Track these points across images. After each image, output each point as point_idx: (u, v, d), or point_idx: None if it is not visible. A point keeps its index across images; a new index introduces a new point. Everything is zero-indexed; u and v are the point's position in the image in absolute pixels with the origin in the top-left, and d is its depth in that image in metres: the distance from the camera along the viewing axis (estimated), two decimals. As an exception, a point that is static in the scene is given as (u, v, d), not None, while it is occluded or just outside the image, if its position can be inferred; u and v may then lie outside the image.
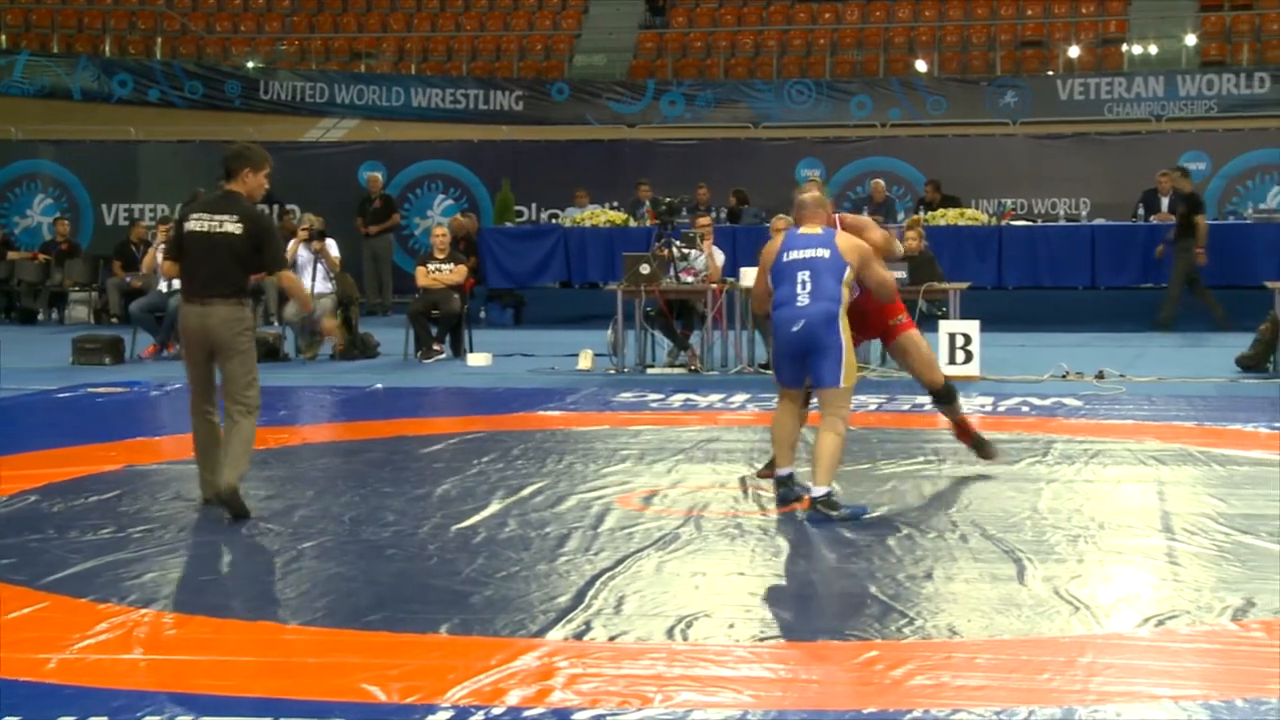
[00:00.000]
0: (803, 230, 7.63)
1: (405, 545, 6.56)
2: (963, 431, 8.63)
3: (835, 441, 7.27)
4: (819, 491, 7.16)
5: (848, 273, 7.49)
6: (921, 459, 8.82)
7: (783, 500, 7.39)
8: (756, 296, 7.96)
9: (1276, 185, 21.51)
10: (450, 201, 23.29)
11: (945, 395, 8.51)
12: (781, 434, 7.53)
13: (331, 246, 16.10)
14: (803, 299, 7.37)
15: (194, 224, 7.40)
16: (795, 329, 7.36)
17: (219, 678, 4.68)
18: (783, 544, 6.59)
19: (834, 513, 7.08)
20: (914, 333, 8.35)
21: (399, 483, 8.13)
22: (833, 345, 7.32)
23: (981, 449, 8.54)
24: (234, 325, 7.32)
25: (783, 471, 7.47)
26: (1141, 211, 19.07)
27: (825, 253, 7.47)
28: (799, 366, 7.48)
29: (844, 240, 7.59)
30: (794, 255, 7.50)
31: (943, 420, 8.77)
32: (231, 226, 7.34)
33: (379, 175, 22.20)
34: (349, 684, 4.59)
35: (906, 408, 11.20)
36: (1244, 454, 8.90)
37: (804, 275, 7.40)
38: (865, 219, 8.52)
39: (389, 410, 11.59)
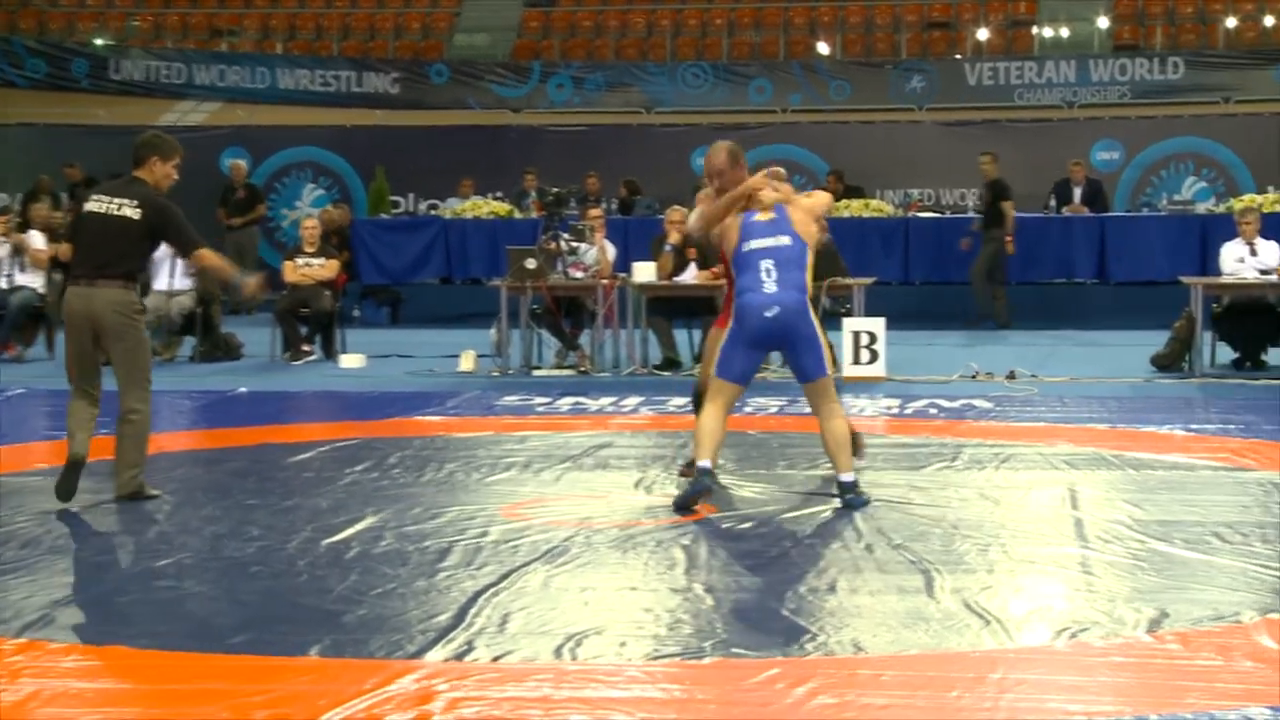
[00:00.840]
0: (759, 217, 7.80)
1: (272, 561, 6.50)
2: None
3: (845, 426, 7.77)
4: (848, 478, 7.65)
5: (809, 256, 7.77)
6: (825, 464, 8.87)
7: (695, 490, 7.53)
8: (708, 218, 7.97)
9: (1192, 175, 21.95)
10: (320, 191, 23.09)
11: None
12: (709, 431, 7.64)
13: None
14: (769, 286, 7.61)
15: (92, 205, 7.82)
16: (769, 314, 7.57)
17: (64, 708, 4.60)
18: (678, 556, 6.60)
19: (862, 495, 7.62)
20: None
21: (265, 494, 8.05)
22: (810, 336, 7.64)
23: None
24: (120, 308, 7.68)
25: (705, 463, 7.59)
26: (1054, 202, 19.39)
27: (786, 240, 7.73)
28: (755, 358, 7.75)
29: (800, 221, 7.81)
30: (755, 245, 7.71)
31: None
32: (129, 211, 7.74)
33: (243, 163, 21.97)
34: (210, 713, 4.53)
35: (808, 411, 11.24)
36: (1159, 458, 9.07)
37: (768, 264, 7.65)
38: (809, 204, 8.56)
39: (254, 416, 11.46)
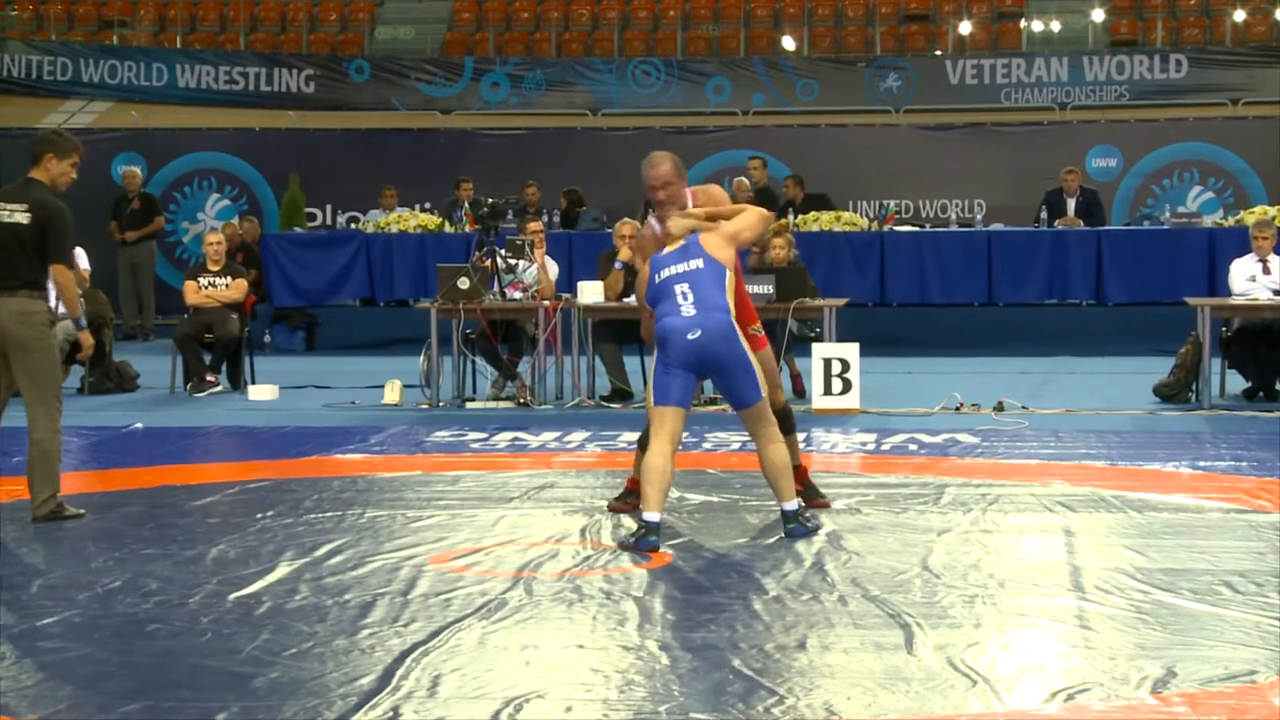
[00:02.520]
0: (665, 251, 8.15)
1: (172, 619, 6.45)
2: (800, 471, 8.87)
3: (784, 452, 8.08)
4: (791, 506, 8.02)
5: (728, 277, 8.05)
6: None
7: (642, 547, 7.67)
8: (644, 324, 8.44)
9: (1197, 185, 22.18)
10: (226, 202, 23.02)
11: (782, 423, 8.72)
12: (659, 473, 7.84)
13: (80, 257, 15.80)
14: (687, 309, 7.93)
15: None
16: (692, 336, 7.89)
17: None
18: (629, 610, 6.60)
19: (809, 524, 8.01)
20: (767, 350, 8.70)
21: (164, 543, 8.00)
22: (739, 360, 7.93)
23: (812, 497, 8.77)
24: (27, 319, 8.18)
25: (653, 517, 7.79)
26: (1044, 215, 19.54)
27: (698, 262, 8.04)
28: (687, 381, 7.97)
29: (712, 245, 8.08)
30: (667, 273, 8.06)
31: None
32: (20, 216, 8.20)
33: (137, 170, 21.88)
34: (103, 790, 4.50)
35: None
36: (1164, 499, 9.13)
37: (682, 288, 7.99)
38: (730, 228, 8.61)
39: (152, 455, 11.40)
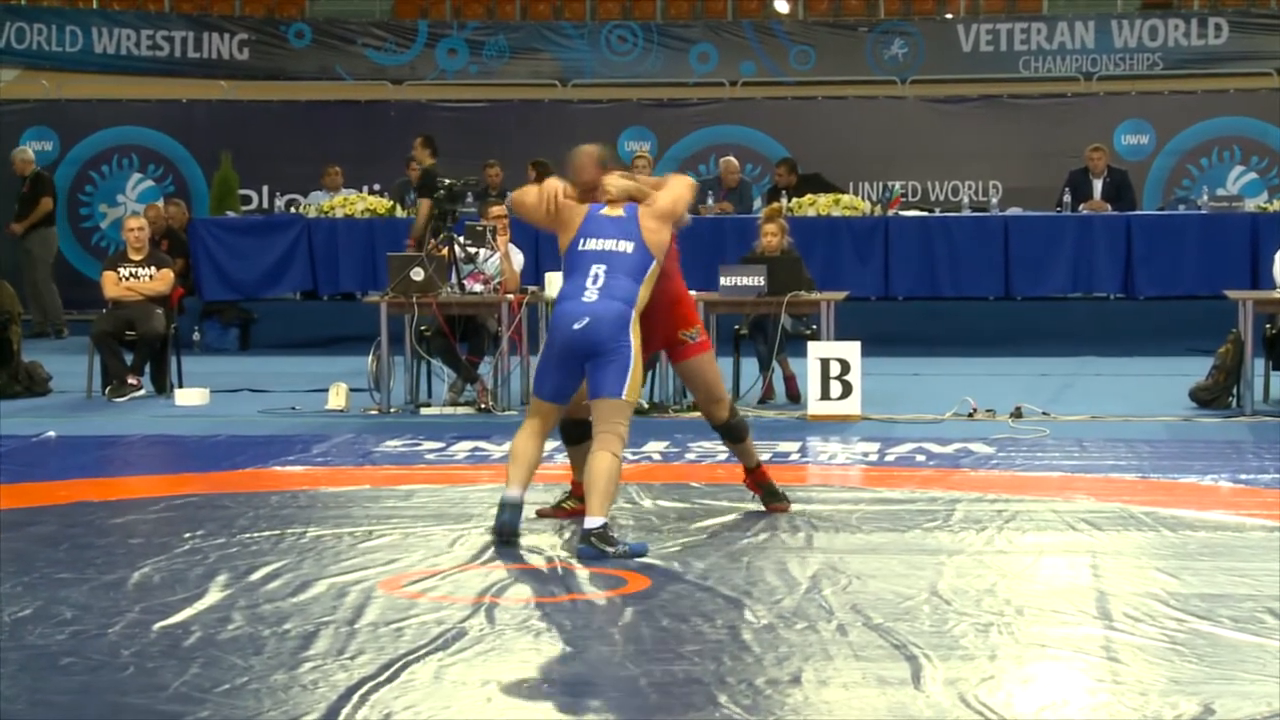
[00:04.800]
0: (606, 211, 8.43)
1: (89, 651, 6.45)
2: (754, 478, 9.26)
3: (612, 464, 8.16)
4: (594, 523, 8.04)
5: (651, 268, 8.34)
6: (785, 524, 8.92)
7: (501, 530, 8.29)
8: (527, 207, 8.71)
9: (1239, 164, 22.23)
10: (150, 183, 22.97)
11: (733, 432, 9.17)
12: (520, 452, 8.38)
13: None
14: (591, 294, 8.20)
15: None
16: (578, 326, 8.17)
17: None
18: (603, 640, 6.61)
19: (610, 549, 7.98)
20: (707, 356, 9.02)
21: (80, 566, 7.99)
22: (620, 351, 8.16)
23: (772, 500, 9.20)
24: None
25: (512, 494, 8.30)
26: (1068, 198, 19.56)
27: (628, 246, 8.32)
28: (570, 374, 8.29)
29: (650, 230, 8.37)
30: (592, 245, 8.34)
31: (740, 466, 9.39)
32: None
33: (28, 149, 21.71)
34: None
35: (765, 457, 11.30)
36: (1200, 516, 9.16)
37: (598, 269, 8.27)
38: (664, 204, 8.75)
39: (65, 467, 11.37)
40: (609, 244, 8.34)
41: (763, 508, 9.20)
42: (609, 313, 8.20)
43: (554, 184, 8.64)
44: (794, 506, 9.31)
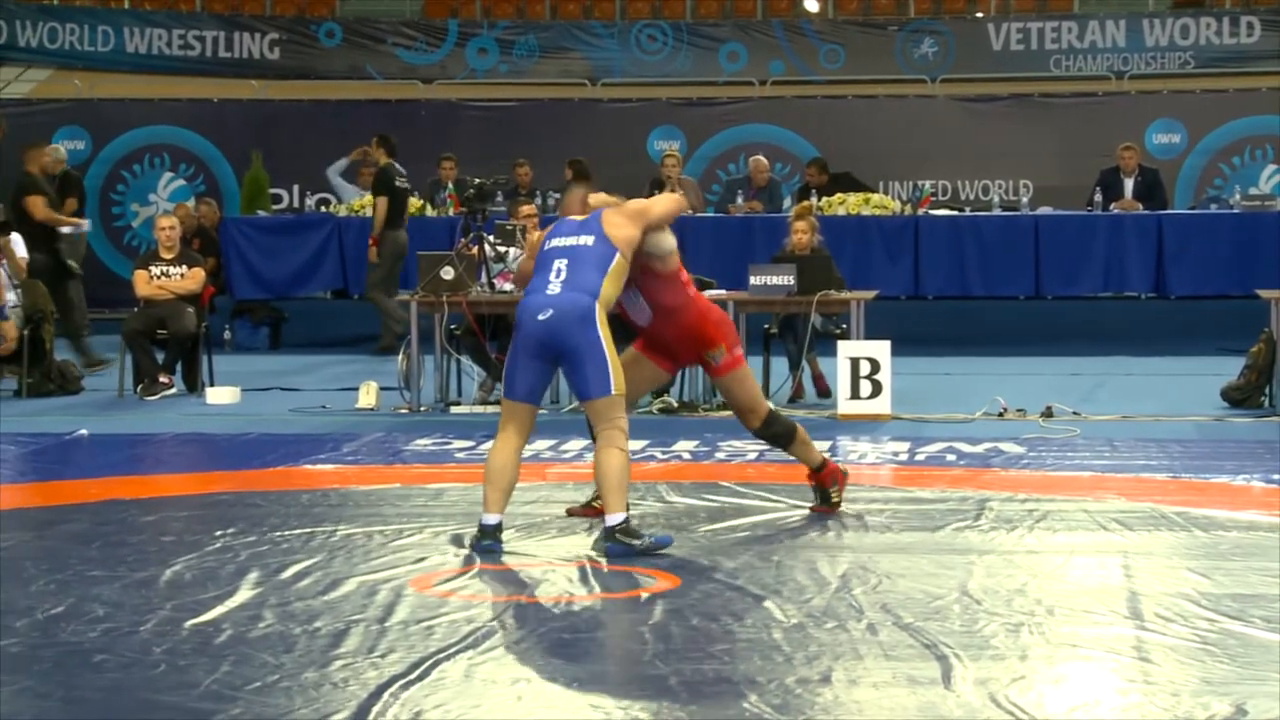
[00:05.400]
0: (569, 216, 8.64)
1: (121, 649, 6.47)
2: (815, 479, 9.20)
3: (621, 459, 8.13)
4: (615, 519, 8.04)
5: (615, 260, 8.35)
6: (816, 528, 8.91)
7: (484, 553, 8.13)
8: (525, 272, 8.89)
9: (1271, 163, 22.15)
10: (181, 182, 23.01)
11: (774, 439, 9.19)
12: (498, 470, 8.27)
13: (17, 244, 15.84)
14: (554, 287, 8.25)
15: None
16: (541, 317, 8.18)
17: None
18: (633, 638, 6.61)
19: (636, 542, 7.99)
20: (735, 374, 8.97)
21: (112, 564, 8.02)
22: (590, 345, 8.16)
23: (824, 503, 9.17)
24: None
25: (490, 519, 8.22)
26: (1099, 197, 19.53)
27: (589, 240, 8.38)
28: (540, 373, 8.29)
29: (613, 224, 8.44)
30: (555, 242, 8.45)
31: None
32: None
33: (60, 147, 21.74)
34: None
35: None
36: (1232, 516, 9.13)
37: (561, 264, 8.32)
38: (637, 204, 8.95)
39: (98, 466, 11.41)
40: (570, 240, 8.42)
41: (814, 507, 9.20)
42: (570, 304, 8.19)
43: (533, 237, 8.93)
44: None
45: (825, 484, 9.17)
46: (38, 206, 16.99)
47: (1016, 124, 22.75)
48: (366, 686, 5.90)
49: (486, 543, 8.20)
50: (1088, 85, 24.10)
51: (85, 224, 18.58)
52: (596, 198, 8.79)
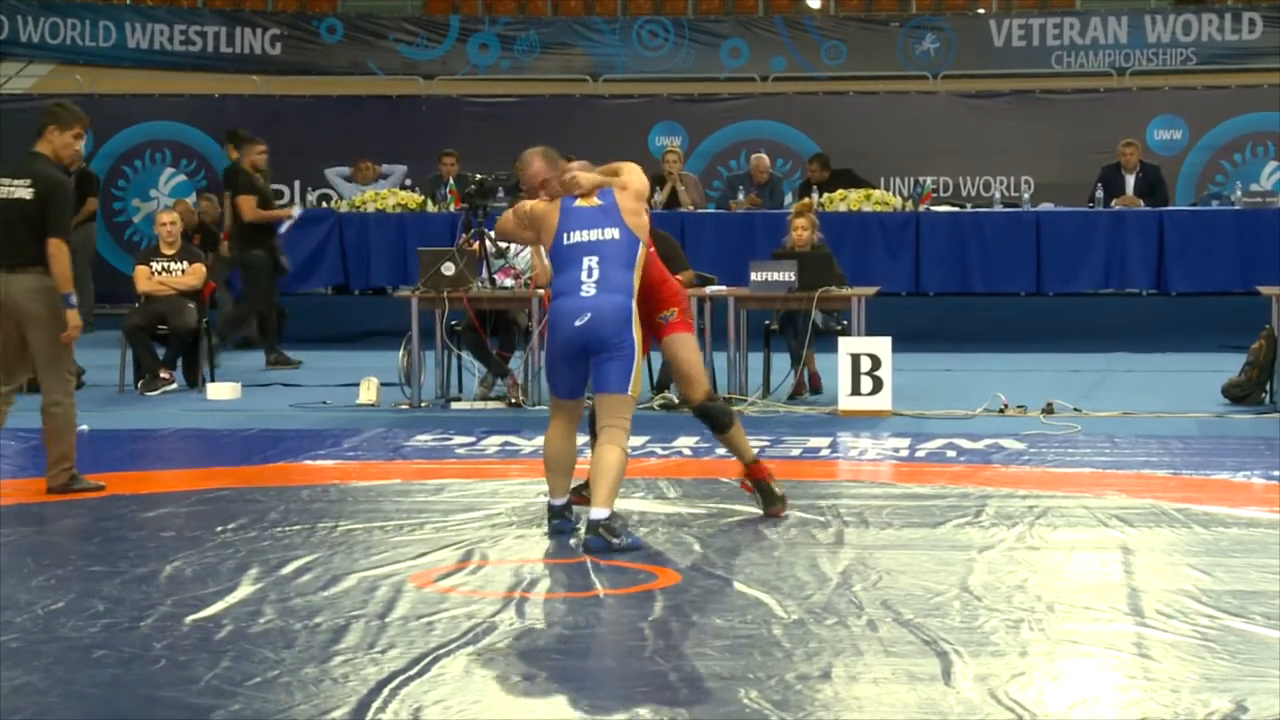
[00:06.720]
0: (581, 203, 8.51)
1: (121, 644, 6.47)
2: (750, 475, 9.11)
3: (620, 457, 8.27)
4: (601, 514, 8.15)
5: (640, 252, 8.43)
6: (817, 523, 8.91)
7: (555, 533, 8.49)
8: (507, 228, 9.14)
9: (1273, 160, 22.14)
10: (182, 177, 23.04)
11: (711, 418, 9.09)
12: (555, 457, 8.54)
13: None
14: (588, 289, 8.27)
15: None
16: (579, 323, 8.24)
17: None
18: (634, 635, 6.61)
19: (615, 539, 8.09)
20: (681, 336, 8.99)
21: (112, 559, 8.03)
22: (623, 347, 8.26)
23: (770, 504, 9.03)
24: (41, 296, 9.38)
25: (557, 501, 8.49)
26: (1100, 194, 19.53)
27: (615, 233, 8.39)
28: (578, 370, 8.40)
29: (630, 211, 8.45)
30: (578, 237, 8.39)
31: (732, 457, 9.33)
32: (22, 191, 9.39)
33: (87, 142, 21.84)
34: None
35: (796, 453, 11.32)
36: (1233, 513, 9.13)
37: (590, 262, 8.32)
38: (633, 184, 8.85)
39: (98, 461, 11.39)
40: (595, 234, 8.41)
41: (767, 512, 9.08)
42: (609, 307, 8.26)
43: (523, 201, 8.89)
44: (824, 502, 9.32)
45: (765, 478, 9.07)
46: (248, 207, 17.03)
47: (1018, 120, 22.75)
48: (366, 682, 5.90)
49: (556, 522, 8.55)
50: (1089, 81, 24.11)
51: (296, 211, 18.49)
52: (585, 176, 8.61)
